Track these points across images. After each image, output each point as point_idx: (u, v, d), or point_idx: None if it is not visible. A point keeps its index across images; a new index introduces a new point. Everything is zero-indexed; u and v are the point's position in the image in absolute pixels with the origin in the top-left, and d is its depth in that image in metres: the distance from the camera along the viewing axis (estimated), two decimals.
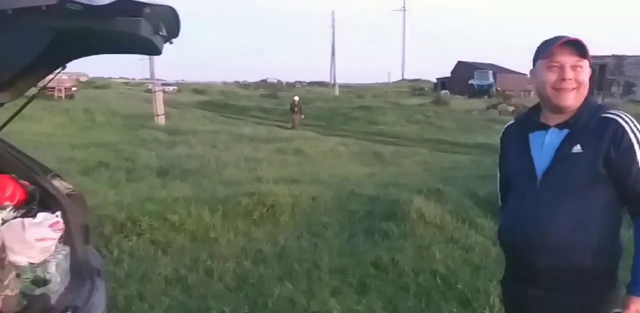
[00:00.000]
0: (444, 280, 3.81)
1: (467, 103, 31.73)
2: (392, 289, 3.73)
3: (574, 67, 1.67)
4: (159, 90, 19.92)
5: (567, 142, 1.68)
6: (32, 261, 2.05)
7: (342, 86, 53.76)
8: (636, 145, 1.62)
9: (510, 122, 1.95)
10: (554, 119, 1.74)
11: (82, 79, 46.94)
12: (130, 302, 3.42)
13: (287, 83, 71.99)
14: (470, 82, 43.69)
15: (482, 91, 41.00)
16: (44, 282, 2.03)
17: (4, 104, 2.44)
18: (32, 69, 2.05)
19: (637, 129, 1.64)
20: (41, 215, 2.16)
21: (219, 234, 4.96)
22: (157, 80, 21.29)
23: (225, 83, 76.73)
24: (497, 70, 47.17)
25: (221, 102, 34.20)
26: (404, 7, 77.21)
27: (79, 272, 2.25)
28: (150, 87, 23.55)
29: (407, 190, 6.68)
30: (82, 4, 1.57)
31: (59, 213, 2.24)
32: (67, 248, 2.24)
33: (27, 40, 1.73)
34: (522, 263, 1.76)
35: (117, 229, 4.80)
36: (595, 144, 1.64)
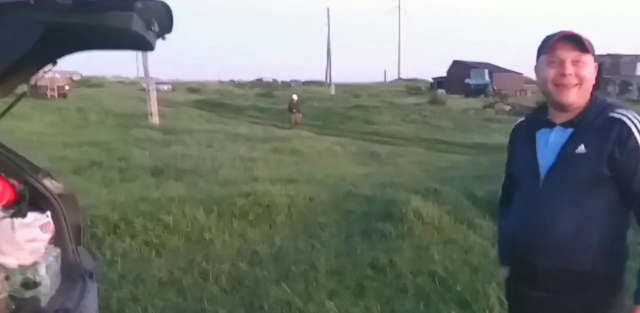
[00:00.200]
0: (442, 281, 3.79)
1: (464, 102, 31.86)
2: (390, 291, 3.70)
3: (575, 62, 1.63)
4: (153, 89, 19.86)
5: (571, 142, 1.65)
6: (21, 263, 2.00)
7: (338, 85, 53.85)
8: None
9: (520, 120, 1.92)
10: (559, 117, 1.71)
11: (76, 77, 46.76)
12: (124, 305, 3.38)
13: (282, 82, 71.96)
14: (466, 81, 43.79)
15: (479, 90, 41.12)
16: (34, 285, 1.98)
17: None
18: (21, 65, 2.00)
19: None
20: (31, 216, 2.12)
21: (214, 235, 4.91)
22: (152, 78, 21.24)
23: (220, 82, 76.74)
24: (493, 69, 47.23)
25: (216, 101, 34.18)
26: (398, 6, 77.72)
27: (70, 274, 2.22)
28: (144, 85, 23.50)
29: (404, 190, 6.65)
30: None
31: (49, 213, 2.20)
32: (58, 250, 2.20)
33: (16, 35, 1.69)
34: (523, 264, 1.74)
35: (110, 230, 4.73)
36: (600, 144, 1.60)
